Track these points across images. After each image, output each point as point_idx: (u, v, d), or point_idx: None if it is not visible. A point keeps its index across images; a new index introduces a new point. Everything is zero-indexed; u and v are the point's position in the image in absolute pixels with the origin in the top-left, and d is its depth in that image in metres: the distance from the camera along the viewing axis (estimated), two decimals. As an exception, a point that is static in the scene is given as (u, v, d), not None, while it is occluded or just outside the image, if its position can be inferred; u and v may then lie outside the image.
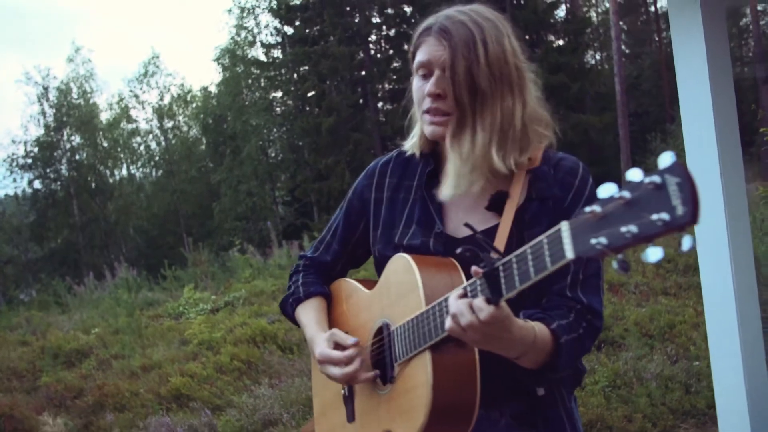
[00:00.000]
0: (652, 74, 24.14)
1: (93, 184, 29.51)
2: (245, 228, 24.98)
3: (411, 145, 1.73)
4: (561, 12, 23.92)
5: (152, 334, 8.59)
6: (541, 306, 1.52)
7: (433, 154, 1.70)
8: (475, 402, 1.43)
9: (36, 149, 28.99)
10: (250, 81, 28.61)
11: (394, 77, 25.51)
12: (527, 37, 23.20)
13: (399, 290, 1.57)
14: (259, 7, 29.14)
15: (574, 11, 24.18)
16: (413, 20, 24.57)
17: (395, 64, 25.36)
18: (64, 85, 29.66)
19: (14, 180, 29.06)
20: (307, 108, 25.72)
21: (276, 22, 27.22)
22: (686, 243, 0.95)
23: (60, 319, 11.32)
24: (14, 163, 28.79)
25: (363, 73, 25.53)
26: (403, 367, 1.53)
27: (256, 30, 29.56)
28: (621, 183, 1.04)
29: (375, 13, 25.13)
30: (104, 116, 31.65)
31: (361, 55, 25.27)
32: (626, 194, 0.99)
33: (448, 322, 1.33)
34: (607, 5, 22.25)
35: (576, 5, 24.33)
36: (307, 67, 25.20)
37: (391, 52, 25.76)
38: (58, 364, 7.80)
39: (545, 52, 22.64)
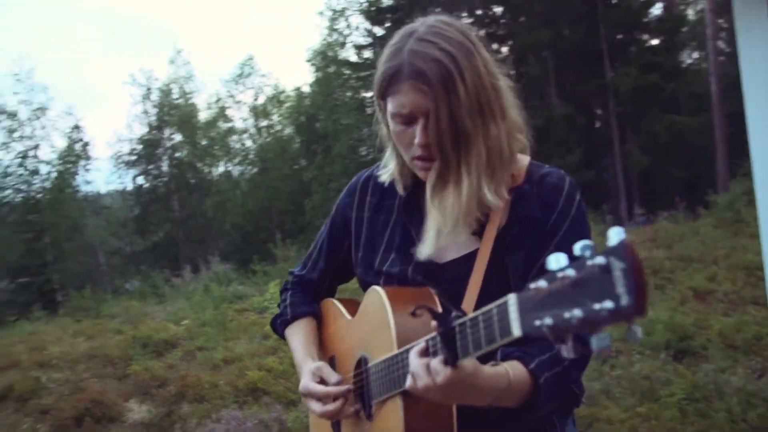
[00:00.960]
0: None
1: (192, 181, 30.54)
2: (335, 226, 25.30)
3: (389, 175, 1.65)
4: (656, 10, 23.16)
5: (236, 327, 8.88)
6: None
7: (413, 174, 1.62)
8: None
9: (140, 147, 30.27)
10: (341, 81, 28.99)
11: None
12: (619, 36, 22.59)
13: (374, 325, 1.53)
14: (350, 9, 29.53)
15: (670, 9, 23.35)
16: (503, 20, 24.32)
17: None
18: (166, 86, 30.83)
19: (120, 176, 30.46)
20: (398, 107, 25.79)
21: (366, 24, 27.46)
22: (632, 335, 0.90)
23: (155, 310, 11.81)
24: (120, 160, 30.16)
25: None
26: (379, 406, 1.51)
27: (347, 31, 29.94)
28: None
29: (464, 14, 24.96)
30: (202, 116, 32.70)
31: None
32: (572, 273, 0.93)
33: (408, 381, 1.28)
34: (704, 3, 21.39)
35: (672, 3, 23.49)
36: (397, 68, 25.25)
37: (481, 51, 25.61)
38: (147, 353, 8.17)
39: (638, 51, 21.99)
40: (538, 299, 0.98)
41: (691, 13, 25.38)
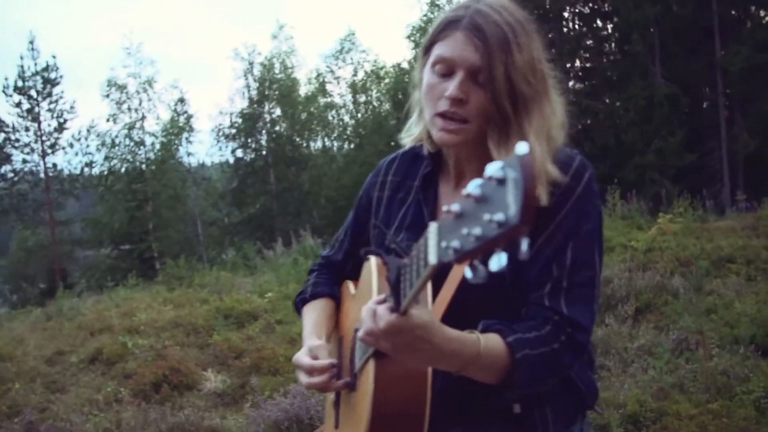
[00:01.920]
0: None
1: (289, 155, 31.13)
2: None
3: (412, 140, 1.66)
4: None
5: (316, 302, 9.01)
6: (520, 317, 1.40)
7: (434, 153, 1.61)
8: (424, 413, 1.34)
9: (240, 120, 31.06)
10: (440, 57, 28.76)
11: (586, 55, 24.59)
12: (733, 12, 21.44)
13: (366, 294, 1.51)
14: (450, -16, 29.23)
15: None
16: (608, -4, 23.49)
17: (588, 42, 24.45)
18: (268, 61, 31.45)
19: (220, 149, 31.41)
20: (494, 85, 25.49)
21: (466, -1, 27.14)
22: (494, 262, 0.86)
23: (245, 281, 12.11)
24: (221, 133, 31.06)
25: (553, 50, 24.86)
26: (360, 374, 1.49)
27: (447, 7, 29.64)
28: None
29: (570, -5, 24.34)
30: (302, 90, 33.22)
31: (552, 34, 24.59)
32: (476, 191, 0.88)
33: (361, 331, 1.25)
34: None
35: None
36: (495, 44, 24.90)
37: (584, 29, 24.83)
38: (229, 323, 8.41)
39: (752, 28, 20.79)
40: (451, 223, 0.93)
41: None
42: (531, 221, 0.81)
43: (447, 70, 1.42)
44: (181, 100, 29.00)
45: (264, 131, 31.13)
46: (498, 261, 0.87)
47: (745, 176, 20.69)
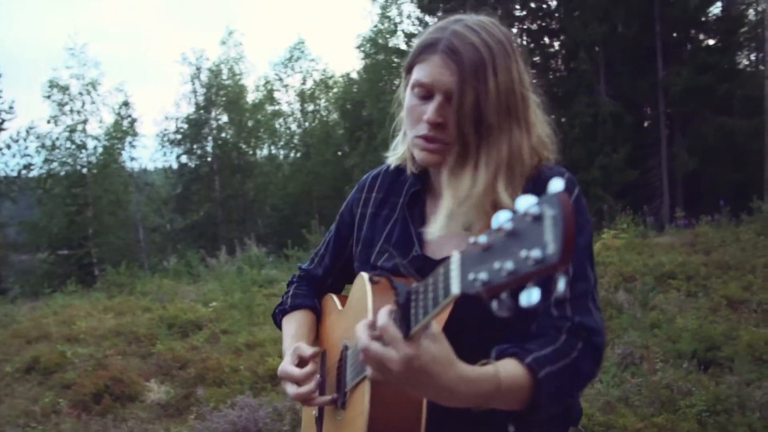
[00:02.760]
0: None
1: (235, 162, 30.82)
2: (373, 213, 25.36)
3: (396, 159, 1.67)
4: (715, 9, 22.46)
5: (263, 312, 8.88)
6: (529, 334, 1.36)
7: (421, 172, 1.62)
8: None
9: (186, 126, 30.64)
10: (390, 69, 28.91)
11: (534, 71, 24.84)
12: (675, 35, 22.03)
13: (356, 311, 1.51)
14: (403, -4, 29.45)
15: (729, 9, 22.63)
16: (557, 14, 23.93)
17: (535, 59, 24.82)
18: (216, 67, 31.15)
19: (164, 154, 30.96)
20: (443, 98, 25.76)
21: (418, 12, 27.30)
22: (561, 283, 0.86)
23: (188, 290, 11.89)
24: (165, 138, 30.58)
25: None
26: (351, 393, 1.47)
27: (398, 19, 29.88)
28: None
29: (517, 6, 24.65)
30: (250, 97, 33.00)
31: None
32: (507, 224, 0.89)
33: (361, 354, 1.19)
34: (766, 3, 20.71)
35: (732, 2, 22.75)
36: (445, 57, 25.18)
37: (532, 45, 25.23)
38: (173, 333, 8.22)
39: (693, 51, 21.39)
40: (478, 255, 0.94)
41: (751, 13, 24.55)
42: (569, 259, 0.82)
43: (426, 93, 1.43)
44: (126, 104, 28.47)
45: (210, 137, 30.79)
46: (529, 296, 0.87)
47: (683, 194, 21.24)
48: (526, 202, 0.87)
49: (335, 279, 1.86)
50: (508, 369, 1.24)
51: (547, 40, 25.19)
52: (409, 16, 29.15)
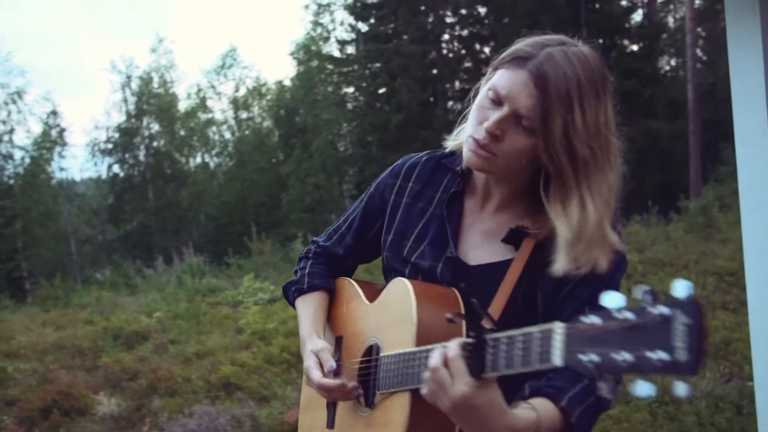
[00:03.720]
0: (729, 82, 23.01)
1: (168, 171, 30.26)
2: (311, 220, 25.32)
3: (454, 146, 1.63)
4: (638, 17, 23.40)
5: (210, 321, 8.83)
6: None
7: (465, 172, 1.60)
8: None
9: (117, 135, 29.98)
10: (323, 76, 28.91)
11: (465, 77, 25.38)
12: (601, 41, 22.77)
13: (395, 316, 1.50)
14: (335, 3, 29.47)
15: (650, 17, 23.59)
16: (486, 21, 24.40)
17: (466, 64, 25.26)
18: (146, 75, 30.57)
19: (95, 164, 30.19)
20: (378, 104, 25.90)
21: (351, 19, 27.45)
22: (680, 389, 0.88)
23: (127, 301, 11.72)
24: (96, 148, 29.84)
25: (434, 72, 25.51)
26: (385, 397, 1.48)
27: (331, 26, 29.89)
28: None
29: (448, 13, 25.05)
30: (182, 105, 32.46)
31: (433, 54, 25.26)
32: (631, 316, 0.92)
33: (426, 374, 1.25)
34: (685, 11, 21.61)
35: (652, 10, 23.72)
36: (379, 65, 25.36)
37: (463, 52, 25.65)
38: (118, 345, 8.10)
39: (618, 57, 22.17)
40: (587, 334, 0.98)
41: (671, 21, 25.61)
42: (700, 369, 0.86)
43: (497, 100, 1.41)
44: (54, 113, 27.70)
45: (142, 146, 30.17)
46: (646, 389, 0.91)
47: (614, 196, 21.91)
48: (649, 298, 0.91)
49: (354, 260, 1.84)
50: (545, 412, 1.29)
51: (478, 46, 25.65)
52: (342, 23, 29.27)
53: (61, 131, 28.13)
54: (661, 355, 0.88)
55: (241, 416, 5.27)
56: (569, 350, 1.01)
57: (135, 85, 30.30)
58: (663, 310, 0.89)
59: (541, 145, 1.36)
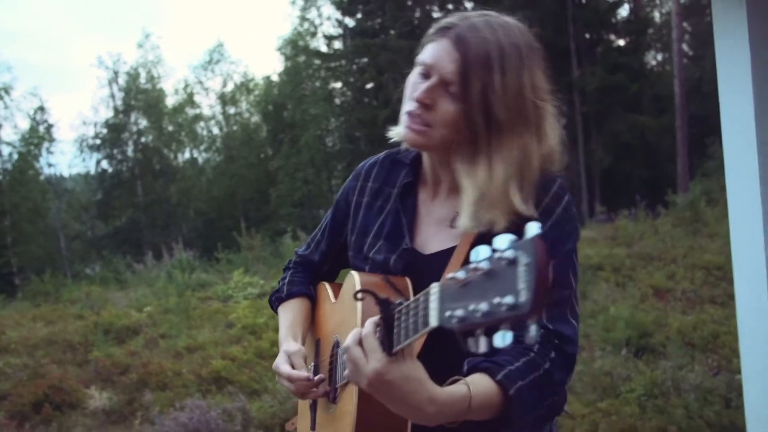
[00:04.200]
0: (715, 77, 23.10)
1: (157, 166, 30.19)
2: (300, 215, 25.34)
3: (396, 135, 1.60)
4: (624, 11, 23.52)
5: (200, 315, 8.85)
6: None
7: (414, 162, 1.62)
8: None
9: (105, 131, 29.88)
10: (311, 71, 28.89)
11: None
12: (587, 36, 22.87)
13: (347, 309, 1.53)
14: (321, -2, 29.50)
15: (637, 11, 23.70)
16: (474, 15, 24.47)
17: (455, 58, 25.36)
18: (134, 70, 30.46)
19: (84, 160, 30.08)
20: (365, 99, 25.96)
21: (338, 14, 27.45)
22: (532, 330, 0.87)
23: (117, 296, 11.71)
24: (84, 144, 29.74)
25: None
26: (342, 389, 1.50)
27: (318, 21, 29.93)
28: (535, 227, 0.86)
29: (435, 8, 25.09)
30: (170, 101, 32.36)
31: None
32: (485, 265, 0.90)
33: (346, 356, 1.23)
34: (671, 6, 21.71)
35: (639, 5, 23.83)
36: (366, 60, 25.41)
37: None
38: (109, 339, 8.11)
39: (605, 52, 22.27)
40: (455, 290, 0.96)
41: (657, 16, 25.76)
42: (542, 309, 0.84)
43: (425, 73, 1.42)
44: (41, 109, 27.58)
45: (130, 142, 30.07)
46: (503, 338, 0.89)
47: (601, 190, 22.06)
48: (503, 243, 0.88)
49: (331, 265, 1.87)
50: (480, 386, 1.23)
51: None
52: (329, 18, 29.27)
53: (49, 127, 28.04)
54: (508, 299, 0.85)
55: (232, 410, 5.30)
56: (442, 309, 0.99)
57: (122, 80, 30.21)
58: (508, 253, 0.87)
59: (461, 108, 1.38)
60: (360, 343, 1.20)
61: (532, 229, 0.87)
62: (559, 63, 22.32)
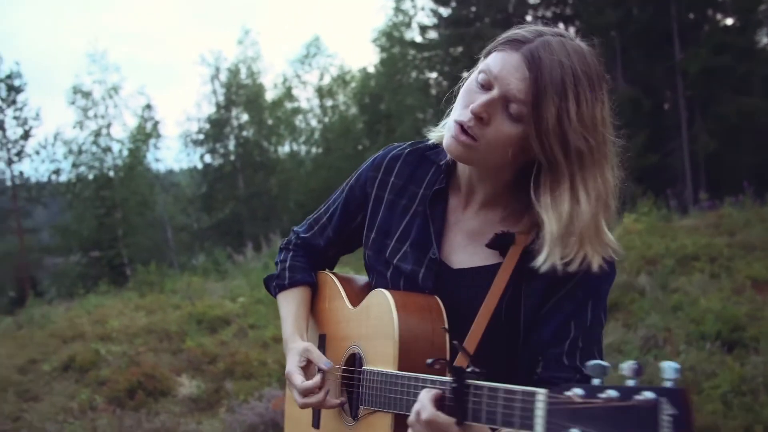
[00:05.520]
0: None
1: (258, 159, 31.05)
2: (396, 206, 25.44)
3: (437, 138, 1.57)
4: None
5: (289, 306, 9.03)
6: (534, 372, 1.39)
7: (447, 167, 1.54)
8: None
9: (207, 126, 30.93)
10: (406, 62, 28.97)
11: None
12: (691, 16, 21.88)
13: (377, 329, 1.48)
14: (416, -12, 29.45)
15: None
16: (571, 0, 23.83)
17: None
18: (234, 66, 31.37)
19: (188, 154, 31.28)
20: (461, 89, 25.78)
21: (432, 4, 27.35)
22: None
23: (215, 286, 12.05)
24: (188, 139, 30.92)
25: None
26: (368, 413, 1.49)
27: (412, 12, 29.93)
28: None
29: (532, -8, 24.66)
30: (269, 95, 33.18)
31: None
32: (615, 395, 0.91)
33: (412, 417, 1.27)
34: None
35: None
36: (461, 49, 25.20)
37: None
38: (201, 329, 8.40)
39: (710, 32, 21.24)
40: (570, 407, 0.96)
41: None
42: None
43: (487, 84, 1.34)
44: (148, 106, 28.84)
45: (232, 136, 31.05)
46: None
47: (706, 176, 21.13)
48: (634, 373, 0.93)
49: (336, 251, 1.80)
50: None
51: (562, 26, 25.07)
52: (423, 9, 29.20)
53: (156, 124, 29.26)
54: None
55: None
56: (551, 420, 1.00)
57: (223, 76, 31.15)
58: (649, 395, 0.88)
59: (531, 133, 1.29)
60: (423, 421, 1.23)
61: (672, 369, 0.90)
62: (660, 46, 21.52)
